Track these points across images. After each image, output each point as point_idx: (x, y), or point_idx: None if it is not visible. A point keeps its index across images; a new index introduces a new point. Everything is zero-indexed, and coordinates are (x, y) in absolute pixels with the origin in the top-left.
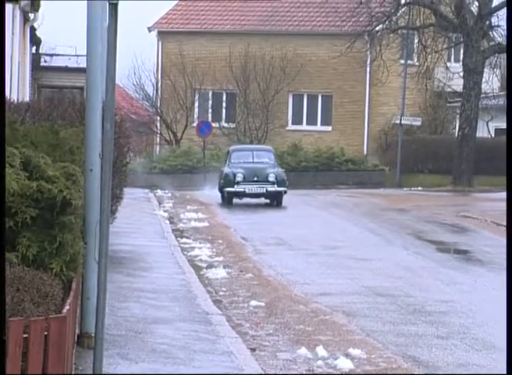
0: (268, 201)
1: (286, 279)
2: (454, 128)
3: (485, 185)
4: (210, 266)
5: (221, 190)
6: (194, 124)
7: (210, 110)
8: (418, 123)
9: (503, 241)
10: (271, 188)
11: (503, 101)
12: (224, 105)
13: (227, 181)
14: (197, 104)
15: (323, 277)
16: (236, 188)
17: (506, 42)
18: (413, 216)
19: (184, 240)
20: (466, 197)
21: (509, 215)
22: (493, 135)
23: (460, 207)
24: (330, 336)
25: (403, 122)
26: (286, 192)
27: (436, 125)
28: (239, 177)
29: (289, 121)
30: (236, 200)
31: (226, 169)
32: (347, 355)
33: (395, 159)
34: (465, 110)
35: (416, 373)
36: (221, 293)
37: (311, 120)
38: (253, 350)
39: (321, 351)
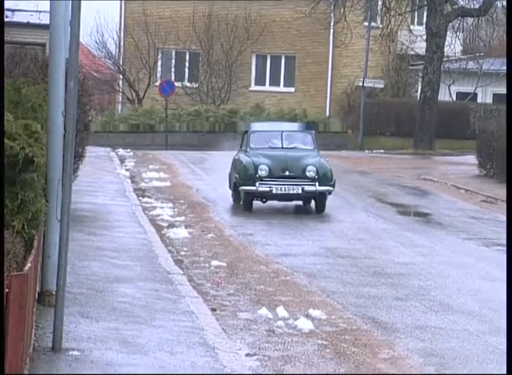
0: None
1: (248, 239)
2: (416, 91)
3: (445, 149)
4: (171, 225)
5: (235, 188)
6: (157, 83)
7: (173, 69)
8: (381, 86)
9: (463, 204)
10: (309, 187)
11: (464, 65)
12: (187, 64)
13: (245, 176)
14: (159, 63)
15: (284, 239)
16: (259, 187)
17: (507, 42)
18: (374, 179)
19: (146, 199)
20: (427, 160)
21: (509, 215)
22: (455, 99)
23: (420, 170)
24: (291, 297)
25: (365, 84)
26: (330, 193)
27: (399, 88)
28: (262, 171)
29: (252, 82)
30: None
31: (243, 158)
32: (307, 316)
33: (357, 122)
34: (427, 73)
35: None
36: (182, 253)
37: (274, 81)
38: (213, 310)
39: (281, 311)
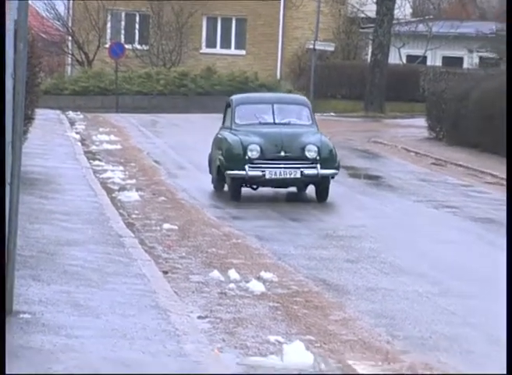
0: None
1: (199, 202)
2: (367, 54)
3: (395, 111)
4: (122, 188)
5: (218, 172)
6: (107, 46)
7: (123, 32)
8: (331, 49)
9: (413, 166)
10: (310, 170)
11: (414, 28)
12: (137, 26)
13: (232, 158)
14: (109, 25)
15: (236, 201)
16: (249, 171)
17: (507, 41)
18: None
19: (96, 162)
20: (377, 123)
21: (509, 214)
22: (405, 62)
23: (371, 133)
24: (242, 259)
25: (316, 47)
26: (333, 177)
27: (349, 51)
28: (253, 151)
29: (203, 44)
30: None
31: (228, 137)
32: (259, 279)
33: (308, 84)
34: (378, 36)
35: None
36: (133, 216)
37: (225, 44)
38: (165, 273)
39: (233, 274)
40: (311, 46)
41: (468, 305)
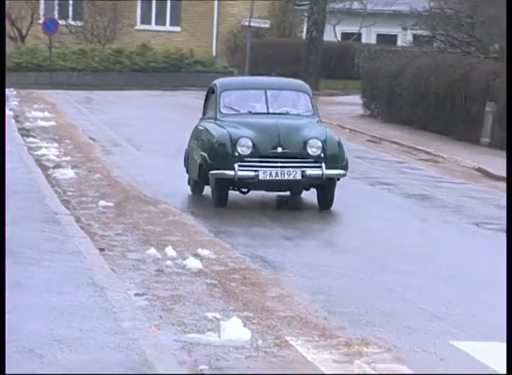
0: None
1: (135, 180)
2: (302, 31)
3: (331, 88)
4: (57, 166)
5: (200, 172)
6: (40, 21)
7: (56, 7)
8: (267, 26)
9: (348, 144)
10: (313, 170)
11: (349, 5)
12: (71, 2)
13: (218, 155)
14: (42, 0)
15: (172, 178)
16: (239, 170)
17: (506, 39)
18: None
19: (31, 139)
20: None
21: (509, 214)
22: (340, 39)
23: None
24: (179, 236)
25: (251, 24)
26: (339, 179)
27: (284, 28)
28: (243, 147)
29: (138, 20)
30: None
31: (213, 129)
32: (196, 256)
33: (244, 61)
34: (313, 13)
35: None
36: (69, 193)
37: (160, 20)
38: (102, 250)
39: (170, 251)
40: (247, 23)
41: (404, 282)
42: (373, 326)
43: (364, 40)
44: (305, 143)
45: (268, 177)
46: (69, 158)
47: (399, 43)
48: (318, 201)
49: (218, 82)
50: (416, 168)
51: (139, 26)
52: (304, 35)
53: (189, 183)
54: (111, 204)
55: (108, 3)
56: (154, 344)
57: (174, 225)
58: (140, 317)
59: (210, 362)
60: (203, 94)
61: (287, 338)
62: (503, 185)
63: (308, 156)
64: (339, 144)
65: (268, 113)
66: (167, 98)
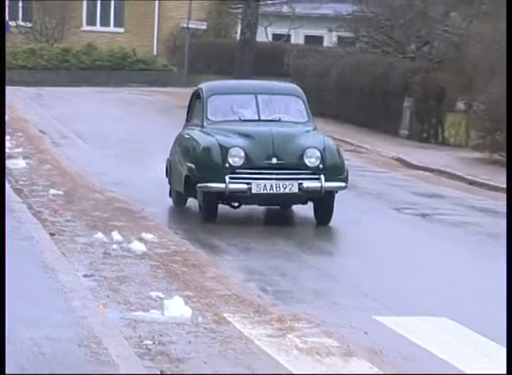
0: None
1: (84, 170)
2: (236, 33)
3: None
4: (9, 156)
5: (187, 184)
6: None
7: (7, 9)
8: (204, 27)
9: None
10: (311, 183)
11: (279, 9)
12: (21, 4)
13: (207, 166)
14: None
15: (118, 168)
16: (230, 183)
17: (506, 40)
18: None
19: None
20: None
21: (509, 214)
22: (271, 39)
23: None
24: (124, 222)
25: (190, 26)
26: (337, 191)
27: (220, 29)
28: (235, 157)
29: (84, 22)
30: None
31: (200, 137)
32: (140, 239)
33: (182, 60)
34: (246, 16)
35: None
36: (21, 182)
37: (105, 22)
38: (52, 235)
39: (116, 235)
40: (185, 25)
41: (334, 262)
42: (304, 304)
43: (293, 40)
44: (302, 153)
45: (261, 191)
46: (20, 149)
47: (325, 44)
48: (315, 216)
49: (205, 86)
50: None
51: (85, 27)
52: (238, 36)
53: (170, 195)
54: (60, 192)
55: (56, 5)
56: (102, 322)
57: (120, 211)
58: (89, 297)
59: (154, 337)
60: (146, 90)
61: (225, 315)
62: (420, 173)
63: (306, 167)
64: (339, 154)
65: (260, 120)
66: (112, 94)
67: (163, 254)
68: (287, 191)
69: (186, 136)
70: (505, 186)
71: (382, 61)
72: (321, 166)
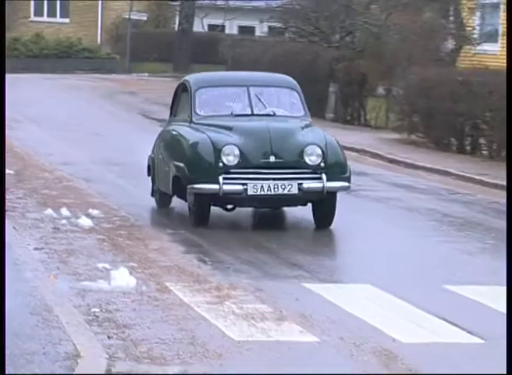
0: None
1: (33, 150)
2: (175, 23)
3: (200, 71)
4: None
5: (175, 185)
6: None
7: None
8: (145, 18)
9: None
10: (311, 183)
11: (215, 1)
12: None
13: (198, 166)
14: None
15: (66, 149)
16: (224, 184)
17: (507, 41)
18: (142, 98)
19: None
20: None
21: (509, 214)
22: (207, 30)
23: None
24: (72, 199)
25: (131, 17)
26: (337, 191)
27: (160, 20)
28: (229, 156)
29: (32, 13)
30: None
31: (190, 134)
32: (88, 215)
33: (125, 49)
34: (184, 8)
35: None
36: None
37: (51, 13)
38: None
39: (64, 211)
40: (127, 16)
41: (269, 235)
42: (240, 273)
43: (227, 31)
44: (302, 150)
45: (258, 192)
46: None
47: (257, 33)
48: (314, 218)
49: (192, 78)
50: None
51: (33, 18)
52: (176, 27)
53: (153, 195)
54: (12, 171)
55: None
56: (53, 291)
57: (68, 189)
58: (40, 268)
59: (101, 305)
60: (91, 77)
61: (167, 284)
62: (348, 153)
63: (306, 166)
64: (342, 151)
65: (253, 114)
66: (59, 80)
67: (109, 228)
68: (286, 191)
69: (173, 132)
70: (423, 164)
71: (308, 50)
72: (322, 164)
